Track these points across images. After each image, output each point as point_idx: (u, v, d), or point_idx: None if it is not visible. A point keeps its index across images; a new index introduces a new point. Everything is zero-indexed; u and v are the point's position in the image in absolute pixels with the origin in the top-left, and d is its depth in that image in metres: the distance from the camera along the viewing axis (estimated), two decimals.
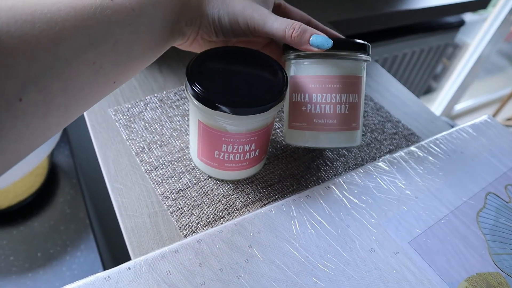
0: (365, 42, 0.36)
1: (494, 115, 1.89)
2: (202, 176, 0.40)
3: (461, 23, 0.99)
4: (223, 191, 0.38)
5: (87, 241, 0.63)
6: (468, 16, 1.05)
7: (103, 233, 0.79)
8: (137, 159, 0.40)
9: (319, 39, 0.33)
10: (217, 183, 0.39)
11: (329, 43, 0.33)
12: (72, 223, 0.64)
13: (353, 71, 0.36)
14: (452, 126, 0.51)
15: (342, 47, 0.35)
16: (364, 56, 0.36)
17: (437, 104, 1.85)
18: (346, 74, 0.36)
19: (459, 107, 2.02)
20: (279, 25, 0.33)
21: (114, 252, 0.83)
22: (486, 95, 2.20)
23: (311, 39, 0.33)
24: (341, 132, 0.37)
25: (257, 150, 0.37)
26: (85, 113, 0.45)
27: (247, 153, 0.36)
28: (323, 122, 0.36)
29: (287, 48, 0.37)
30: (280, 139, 0.45)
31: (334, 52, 0.35)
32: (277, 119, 0.47)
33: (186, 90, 0.34)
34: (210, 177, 0.39)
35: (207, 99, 0.32)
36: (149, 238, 0.34)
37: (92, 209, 0.79)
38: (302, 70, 0.36)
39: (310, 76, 0.36)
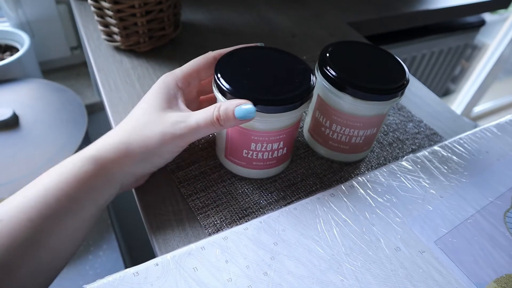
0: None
1: None
2: (227, 174, 0.40)
3: (482, 23, 0.98)
4: (247, 189, 0.39)
5: (109, 240, 0.64)
6: (487, 17, 1.03)
7: (124, 233, 0.80)
8: None
9: (241, 113, 0.31)
10: (241, 181, 0.39)
11: (251, 113, 0.31)
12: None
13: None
14: (475, 126, 0.50)
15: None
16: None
17: (456, 106, 1.82)
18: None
19: (478, 109, 1.98)
20: (203, 120, 0.32)
21: (136, 251, 0.84)
22: (506, 97, 2.16)
23: (235, 114, 0.31)
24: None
25: (285, 148, 0.37)
26: (108, 112, 0.46)
27: (276, 151, 0.36)
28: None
29: None
30: (302, 138, 0.45)
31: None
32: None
33: (214, 88, 0.34)
34: (234, 176, 0.40)
35: (237, 98, 0.32)
36: (174, 235, 0.35)
37: (113, 209, 0.80)
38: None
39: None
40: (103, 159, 0.32)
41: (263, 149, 0.36)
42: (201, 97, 0.42)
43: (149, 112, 0.34)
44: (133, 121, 0.34)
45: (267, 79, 0.34)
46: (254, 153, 0.36)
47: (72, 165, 0.31)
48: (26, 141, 0.59)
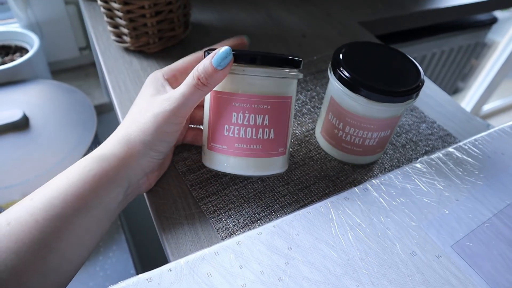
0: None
1: None
2: (239, 177, 0.39)
3: (493, 20, 0.96)
4: (260, 193, 0.38)
5: (119, 242, 0.64)
6: (498, 14, 1.01)
7: (134, 234, 0.80)
8: (173, 162, 0.41)
9: (218, 58, 0.31)
10: (253, 184, 0.39)
11: (227, 54, 0.31)
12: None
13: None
14: (488, 126, 0.49)
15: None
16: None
17: (465, 104, 1.80)
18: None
19: (488, 107, 1.96)
20: (186, 87, 0.32)
21: (146, 253, 0.84)
22: None
23: (213, 63, 0.31)
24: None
25: (272, 130, 0.34)
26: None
27: (260, 130, 0.34)
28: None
29: None
30: (314, 140, 0.44)
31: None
32: (310, 120, 0.47)
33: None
34: (247, 179, 0.39)
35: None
36: (187, 239, 0.35)
37: (123, 211, 0.80)
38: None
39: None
40: (107, 157, 0.32)
41: (245, 122, 0.33)
42: None
43: (141, 102, 0.35)
44: (130, 115, 0.35)
45: None
46: (236, 128, 0.34)
47: (78, 166, 0.31)
48: (36, 142, 0.59)
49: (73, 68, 0.90)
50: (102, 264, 0.60)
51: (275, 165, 0.36)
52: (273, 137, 0.34)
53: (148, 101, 0.34)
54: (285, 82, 0.34)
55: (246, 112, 0.33)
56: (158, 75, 0.36)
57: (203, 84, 0.32)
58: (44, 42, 0.83)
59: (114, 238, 0.64)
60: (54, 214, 0.28)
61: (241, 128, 0.34)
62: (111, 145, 0.33)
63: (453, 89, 1.21)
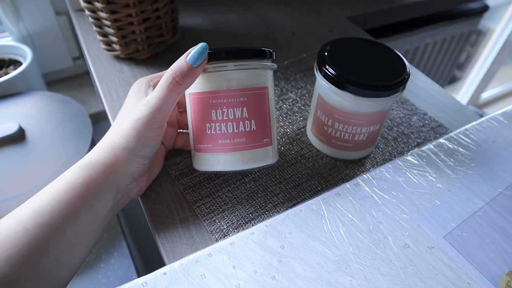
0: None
1: None
2: (231, 179, 0.40)
3: (485, 8, 0.96)
4: (252, 193, 0.39)
5: (120, 248, 0.64)
6: (491, 1, 1.01)
7: (135, 240, 0.81)
8: (166, 166, 0.41)
9: (193, 54, 0.32)
10: (246, 185, 0.39)
11: (203, 49, 0.32)
12: (105, 231, 0.66)
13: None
14: (481, 116, 0.49)
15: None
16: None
17: (463, 93, 1.80)
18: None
19: (486, 95, 1.96)
20: (160, 89, 0.33)
21: (147, 258, 0.84)
22: None
23: (188, 60, 0.32)
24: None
25: (253, 122, 0.34)
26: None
27: (241, 122, 0.34)
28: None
29: None
30: (305, 138, 0.45)
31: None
32: (301, 118, 0.47)
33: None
34: (240, 180, 0.40)
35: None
36: (181, 243, 0.35)
37: (123, 216, 0.81)
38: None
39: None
40: (94, 164, 0.32)
41: (224, 118, 0.34)
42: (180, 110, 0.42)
43: (123, 110, 0.36)
44: (114, 123, 0.36)
45: None
46: (217, 125, 0.34)
47: (66, 175, 0.32)
48: (33, 154, 0.60)
49: (68, 78, 0.91)
50: (104, 271, 0.61)
51: (263, 157, 0.36)
52: (255, 128, 0.35)
53: (130, 108, 0.35)
54: (258, 73, 0.34)
55: (224, 107, 0.34)
56: (142, 81, 0.37)
57: (177, 83, 0.32)
58: (37, 54, 0.84)
59: (115, 244, 0.64)
60: (43, 221, 0.28)
61: (222, 124, 0.34)
62: (98, 153, 0.33)
63: (450, 78, 1.20)
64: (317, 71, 0.38)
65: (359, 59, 0.38)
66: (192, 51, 0.32)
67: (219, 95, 0.33)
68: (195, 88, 0.34)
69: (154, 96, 0.33)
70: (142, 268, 0.72)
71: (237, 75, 0.33)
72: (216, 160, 0.35)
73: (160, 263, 0.36)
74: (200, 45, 0.32)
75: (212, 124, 0.34)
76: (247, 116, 0.34)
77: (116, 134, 0.34)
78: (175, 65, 0.32)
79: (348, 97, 0.36)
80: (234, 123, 0.34)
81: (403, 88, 0.37)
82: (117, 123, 0.35)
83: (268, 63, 0.35)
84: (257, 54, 0.34)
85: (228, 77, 0.33)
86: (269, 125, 0.36)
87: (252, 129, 0.34)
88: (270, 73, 0.36)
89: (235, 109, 0.34)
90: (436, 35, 0.94)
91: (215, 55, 0.33)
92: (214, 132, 0.34)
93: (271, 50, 0.35)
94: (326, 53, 0.38)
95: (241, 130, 0.34)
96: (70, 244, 0.30)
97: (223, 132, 0.34)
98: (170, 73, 0.32)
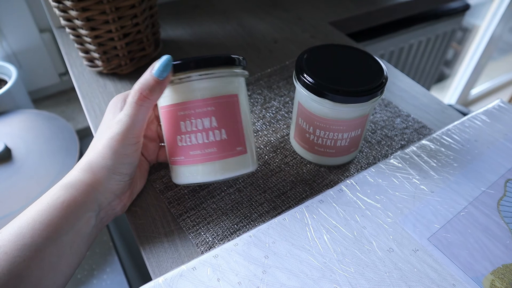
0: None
1: None
2: (216, 190, 0.40)
3: (466, 7, 0.97)
4: (237, 204, 0.39)
5: (112, 263, 0.64)
6: (470, 0, 1.02)
7: (127, 255, 0.80)
8: (150, 180, 0.41)
9: (158, 67, 0.32)
10: (231, 196, 0.39)
11: (167, 61, 0.32)
12: (97, 246, 0.65)
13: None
14: (466, 114, 0.50)
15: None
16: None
17: (452, 90, 1.81)
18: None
19: (476, 91, 1.97)
20: (129, 105, 0.33)
21: (140, 273, 0.84)
22: (504, 76, 2.14)
23: (153, 73, 0.32)
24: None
25: (223, 131, 0.34)
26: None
27: (210, 132, 0.33)
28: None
29: None
30: (289, 145, 0.45)
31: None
32: (285, 126, 0.47)
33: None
34: (224, 191, 0.40)
35: None
36: (167, 257, 0.35)
37: (115, 232, 0.80)
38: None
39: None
40: (73, 184, 0.32)
41: (193, 129, 0.33)
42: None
43: (101, 127, 0.36)
44: (92, 142, 0.36)
45: None
46: (187, 136, 0.34)
47: (46, 196, 0.31)
48: (20, 173, 0.59)
49: (55, 94, 0.90)
50: (97, 287, 0.60)
51: (238, 165, 0.35)
52: (226, 138, 0.34)
53: (106, 125, 0.35)
54: (226, 81, 0.34)
55: (192, 118, 0.33)
56: (118, 98, 0.37)
57: (145, 98, 0.32)
58: (23, 72, 0.83)
59: (107, 260, 0.64)
60: (23, 244, 0.28)
61: (192, 135, 0.34)
62: (77, 172, 0.33)
63: (438, 76, 1.21)
64: (295, 80, 0.38)
65: (336, 66, 0.38)
66: (157, 64, 0.32)
67: (187, 106, 0.33)
68: (165, 101, 0.34)
69: (124, 113, 0.33)
70: (136, 282, 0.71)
71: (203, 84, 0.33)
72: (189, 172, 0.35)
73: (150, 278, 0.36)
74: (164, 57, 0.32)
75: (182, 136, 0.34)
76: (216, 126, 0.34)
77: (94, 153, 0.34)
78: (142, 80, 0.32)
79: (327, 104, 0.36)
80: (204, 133, 0.33)
81: (381, 92, 0.37)
82: (94, 141, 0.35)
83: (236, 70, 0.35)
84: (223, 62, 0.34)
85: (194, 87, 0.33)
86: (242, 133, 0.35)
87: (222, 138, 0.34)
88: (240, 80, 0.35)
89: (203, 119, 0.33)
90: (420, 35, 0.94)
91: (181, 66, 0.33)
92: (185, 144, 0.34)
93: (239, 57, 0.35)
94: (303, 62, 0.38)
95: (211, 140, 0.34)
96: (52, 264, 0.30)
97: (193, 143, 0.34)
98: (137, 88, 0.32)
